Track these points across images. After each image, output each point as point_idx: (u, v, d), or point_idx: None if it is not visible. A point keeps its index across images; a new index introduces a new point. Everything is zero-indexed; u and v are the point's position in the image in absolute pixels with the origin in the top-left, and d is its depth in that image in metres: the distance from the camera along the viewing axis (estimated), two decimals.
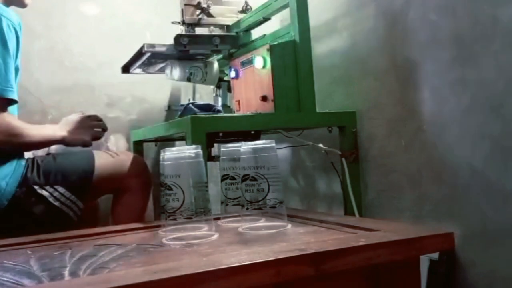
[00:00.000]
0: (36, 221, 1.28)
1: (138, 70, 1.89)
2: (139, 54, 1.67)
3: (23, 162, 1.32)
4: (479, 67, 1.15)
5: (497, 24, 1.10)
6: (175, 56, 1.72)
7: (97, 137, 1.49)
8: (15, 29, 1.29)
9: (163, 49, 1.64)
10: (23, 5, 1.43)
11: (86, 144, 1.45)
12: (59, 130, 1.42)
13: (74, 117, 1.46)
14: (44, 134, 1.38)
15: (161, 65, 1.83)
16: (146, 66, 1.84)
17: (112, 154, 1.49)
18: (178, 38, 1.60)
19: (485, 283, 1.18)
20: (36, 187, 1.29)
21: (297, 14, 1.45)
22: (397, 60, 1.39)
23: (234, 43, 1.71)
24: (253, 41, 1.71)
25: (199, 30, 1.80)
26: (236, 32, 1.76)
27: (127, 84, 2.07)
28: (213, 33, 1.74)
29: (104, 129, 1.52)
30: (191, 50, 1.64)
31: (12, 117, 1.32)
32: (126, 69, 1.87)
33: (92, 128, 1.47)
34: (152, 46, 1.63)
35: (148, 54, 1.64)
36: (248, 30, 1.75)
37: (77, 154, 1.45)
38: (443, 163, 1.26)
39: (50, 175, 1.32)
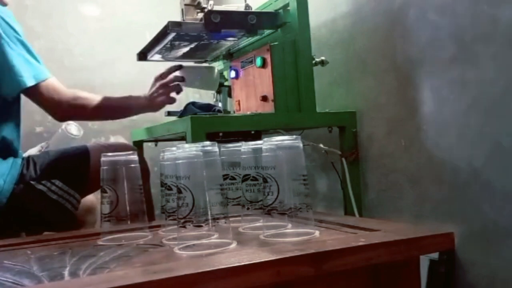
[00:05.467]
0: (36, 216, 1.28)
1: (157, 57, 1.72)
2: (162, 35, 1.49)
3: (19, 161, 1.33)
4: (479, 67, 1.15)
5: (497, 24, 1.10)
6: (203, 38, 1.54)
7: (178, 91, 1.50)
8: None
9: (191, 28, 1.44)
10: (3, 3, 1.42)
11: (166, 104, 1.49)
12: (139, 98, 1.48)
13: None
14: (119, 102, 1.45)
15: (185, 49, 1.66)
16: (167, 51, 1.65)
17: (105, 144, 1.48)
18: (209, 14, 1.39)
19: (485, 283, 1.18)
20: (33, 182, 1.28)
21: (297, 14, 1.45)
22: (397, 60, 1.39)
23: (273, 22, 1.50)
24: (261, 38, 1.59)
25: None
26: (275, 10, 1.54)
27: (127, 84, 2.07)
28: (248, 10, 1.50)
29: (181, 80, 1.50)
30: (223, 29, 1.43)
31: (76, 91, 1.39)
32: (143, 55, 1.72)
33: (171, 81, 1.48)
34: (178, 24, 1.42)
35: (173, 34, 1.44)
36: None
37: (71, 148, 1.45)
38: (443, 163, 1.26)
39: (46, 169, 1.32)
